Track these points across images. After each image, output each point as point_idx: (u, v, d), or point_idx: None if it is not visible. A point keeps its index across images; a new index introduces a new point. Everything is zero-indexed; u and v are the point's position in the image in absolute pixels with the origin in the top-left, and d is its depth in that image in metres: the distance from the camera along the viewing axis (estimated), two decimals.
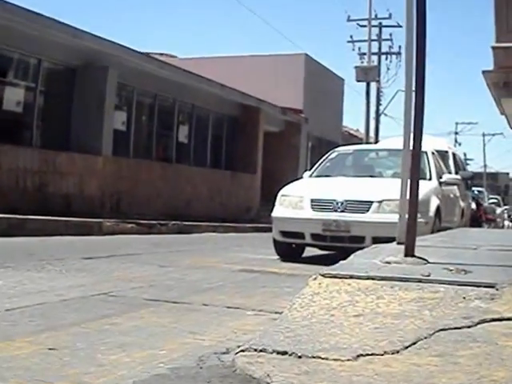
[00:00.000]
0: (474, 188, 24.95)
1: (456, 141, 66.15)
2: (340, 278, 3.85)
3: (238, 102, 24.04)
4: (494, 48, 21.80)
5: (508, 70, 21.39)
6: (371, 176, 10.78)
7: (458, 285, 3.57)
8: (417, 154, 5.48)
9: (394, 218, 8.69)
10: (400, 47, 36.21)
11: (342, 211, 9.50)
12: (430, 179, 10.70)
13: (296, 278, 7.37)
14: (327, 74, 32.59)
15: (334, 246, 9.79)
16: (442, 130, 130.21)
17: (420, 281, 3.73)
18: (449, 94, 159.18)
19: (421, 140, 5.33)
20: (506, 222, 36.40)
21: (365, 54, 34.85)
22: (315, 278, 3.88)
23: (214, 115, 23.72)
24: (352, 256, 5.48)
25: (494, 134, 70.07)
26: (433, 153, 11.73)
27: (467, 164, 72.49)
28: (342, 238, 9.47)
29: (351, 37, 35.48)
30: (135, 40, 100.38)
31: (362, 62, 34.55)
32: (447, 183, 11.16)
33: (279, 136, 27.52)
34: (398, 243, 6.66)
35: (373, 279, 3.78)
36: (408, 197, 5.62)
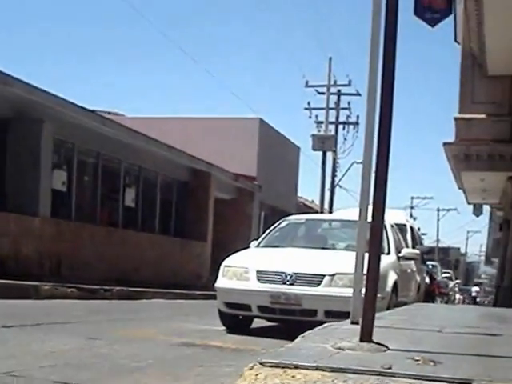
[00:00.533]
0: (428, 262, 24.65)
1: (411, 215, 66.30)
2: (283, 367, 3.22)
3: (188, 165, 23.45)
4: (456, 119, 21.59)
5: (469, 142, 21.21)
6: (323, 248, 10.20)
7: (428, 380, 2.95)
8: (378, 227, 4.91)
9: (348, 292, 8.15)
10: (358, 117, 36.02)
11: (292, 284, 8.91)
12: (389, 253, 10.19)
13: (241, 353, 6.77)
14: (283, 141, 32.28)
15: (285, 318, 9.22)
16: (398, 203, 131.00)
17: (380, 374, 3.12)
18: (406, 167, 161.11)
19: (383, 213, 4.79)
20: (458, 296, 36.53)
21: (322, 122, 34.62)
22: (252, 368, 3.21)
23: (162, 178, 23.04)
24: (299, 338, 4.85)
25: (448, 210, 70.47)
26: (392, 226, 11.23)
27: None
28: (292, 311, 8.90)
29: (309, 103, 35.19)
30: (84, 97, 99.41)
31: (319, 131, 34.26)
32: (405, 258, 10.64)
33: (231, 203, 26.95)
34: (353, 323, 6.06)
35: (322, 370, 3.15)
36: (365, 272, 5.05)
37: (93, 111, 19.83)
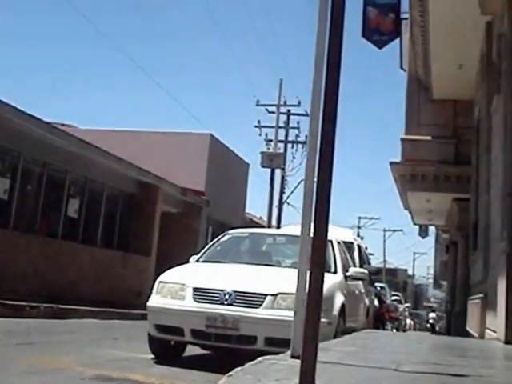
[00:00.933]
0: (376, 283, 23.56)
1: (358, 235, 65.67)
2: None
3: (136, 178, 22.19)
4: (402, 140, 21.02)
5: (415, 163, 20.57)
6: (267, 264, 9.05)
7: None
8: (321, 240, 3.88)
9: (291, 315, 7.09)
10: (307, 137, 35.12)
11: (231, 304, 7.74)
12: (335, 272, 9.11)
13: None
14: (232, 157, 31.22)
15: (220, 346, 7.93)
16: (345, 223, 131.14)
17: None
18: (354, 187, 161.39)
19: (326, 226, 3.78)
20: (408, 321, 35.06)
21: (271, 140, 33.83)
22: None
23: (109, 190, 21.71)
24: (224, 379, 3.75)
25: (394, 230, 70.07)
26: (339, 243, 10.19)
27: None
28: (229, 338, 7.67)
29: (259, 122, 34.37)
30: (40, 109, 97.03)
31: (269, 148, 33.51)
32: (353, 278, 9.57)
33: (178, 217, 25.71)
34: (293, 356, 4.99)
35: None
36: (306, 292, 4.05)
37: (45, 122, 18.46)
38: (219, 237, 10.11)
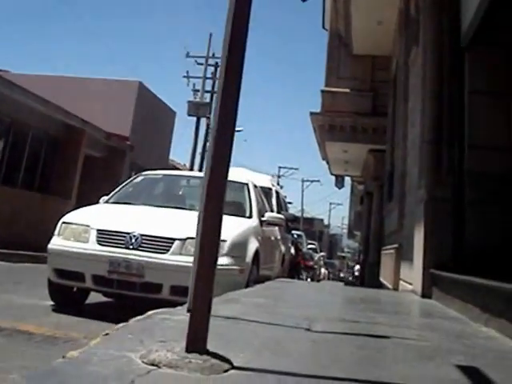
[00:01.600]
0: (293, 231, 22.75)
1: (278, 184, 65.01)
2: None
3: (62, 121, 20.69)
4: (322, 92, 20.17)
5: (334, 113, 19.79)
6: (180, 208, 8.07)
7: None
8: (221, 176, 2.97)
9: None
10: None
11: (136, 248, 6.77)
12: (250, 217, 8.21)
13: (50, 345, 4.64)
14: (160, 105, 29.85)
15: (123, 294, 6.94)
16: (267, 172, 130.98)
17: None
18: (275, 138, 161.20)
19: (227, 164, 2.83)
20: (323, 270, 34.52)
21: (198, 90, 32.63)
22: None
23: (34, 132, 20.19)
24: (100, 338, 2.81)
25: (312, 181, 69.57)
26: (255, 186, 9.29)
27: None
28: (133, 285, 6.70)
29: (187, 72, 33.11)
30: None
31: (196, 98, 32.34)
32: (269, 223, 8.69)
33: (101, 162, 24.33)
34: (190, 310, 4.04)
35: None
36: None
37: None
38: (132, 178, 9.08)
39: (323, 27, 22.96)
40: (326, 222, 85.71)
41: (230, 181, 8.39)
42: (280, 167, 66.01)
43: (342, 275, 55.26)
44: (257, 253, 7.65)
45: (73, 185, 21.38)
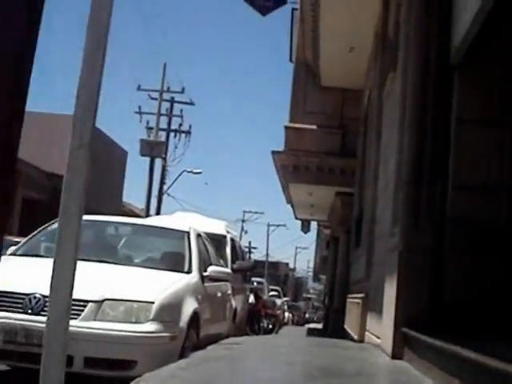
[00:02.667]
0: (253, 278, 21.72)
1: (243, 228, 64.44)
2: None
3: None
4: (286, 128, 19.13)
5: (298, 152, 18.78)
6: (103, 261, 6.88)
7: None
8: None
9: (123, 329, 5.03)
10: (190, 126, 33.26)
11: (37, 313, 5.60)
12: (189, 272, 7.08)
13: None
14: (108, 143, 28.71)
15: (28, 367, 5.75)
16: (230, 217, 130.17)
17: None
18: (241, 182, 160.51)
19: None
20: (287, 314, 33.62)
21: (152, 128, 31.48)
22: None
23: None
24: None
25: (278, 225, 69.37)
26: (199, 235, 8.18)
27: (251, 252, 70.93)
28: (36, 357, 5.47)
29: (139, 108, 31.90)
30: None
31: (150, 137, 31.16)
32: (213, 278, 7.54)
33: (43, 205, 22.97)
34: None
35: None
36: None
37: None
38: (49, 223, 7.90)
39: (290, 60, 21.77)
40: (291, 266, 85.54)
41: (168, 229, 7.18)
42: (245, 211, 65.11)
43: (307, 315, 55.42)
44: (195, 315, 6.52)
45: (10, 231, 19.96)
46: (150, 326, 5.71)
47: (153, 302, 5.80)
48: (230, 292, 9.21)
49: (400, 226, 7.45)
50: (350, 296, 14.65)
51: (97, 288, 5.85)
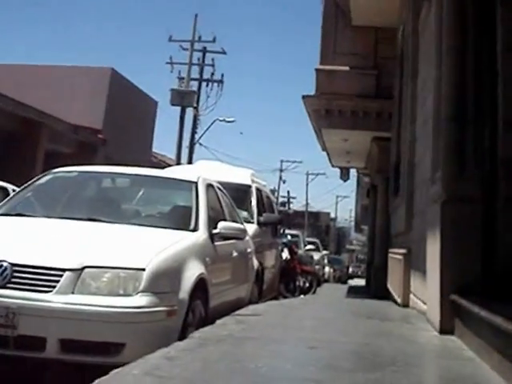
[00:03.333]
0: (287, 231, 20.52)
1: (281, 178, 63.10)
2: None
3: (14, 113, 18.50)
4: (317, 70, 17.84)
5: (330, 96, 17.50)
6: (94, 220, 5.85)
7: None
8: None
9: (108, 303, 3.93)
10: (222, 75, 32.01)
11: (4, 286, 4.58)
12: (195, 229, 5.97)
13: None
14: (138, 95, 27.64)
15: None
16: (267, 167, 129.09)
17: None
18: (277, 130, 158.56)
19: None
20: (327, 269, 32.01)
21: (184, 78, 30.27)
22: None
23: None
24: None
25: (317, 174, 67.43)
26: (211, 185, 7.07)
27: (290, 202, 69.69)
28: (3, 341, 4.52)
29: (171, 58, 30.70)
30: None
31: (181, 87, 30.00)
32: (223, 236, 6.42)
33: (69, 158, 22.06)
34: None
35: None
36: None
37: None
38: (36, 178, 6.86)
39: None
40: (332, 215, 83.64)
41: (173, 179, 5.94)
42: (282, 161, 63.56)
43: (350, 270, 52.62)
44: (201, 282, 5.44)
45: None
46: (140, 299, 4.66)
47: (143, 269, 4.74)
48: (250, 250, 8.12)
49: (442, 172, 6.30)
50: (391, 251, 13.54)
51: (76, 253, 4.80)
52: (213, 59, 32.15)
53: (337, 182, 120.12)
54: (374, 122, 17.19)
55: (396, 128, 14.91)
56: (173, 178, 6.95)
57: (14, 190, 8.31)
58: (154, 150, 31.83)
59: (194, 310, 5.33)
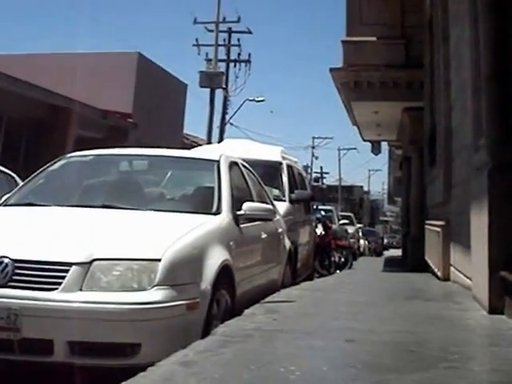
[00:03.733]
0: (320, 207, 19.86)
1: (313, 154, 62.61)
2: None
3: (43, 101, 18.01)
4: (343, 42, 17.02)
5: (359, 67, 16.69)
6: (109, 207, 5.25)
7: None
8: None
9: (114, 299, 3.28)
10: (250, 55, 31.32)
11: (6, 285, 4.02)
12: (218, 212, 5.34)
13: None
14: (166, 78, 26.96)
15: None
16: (300, 144, 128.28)
17: None
18: (307, 107, 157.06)
19: None
20: (362, 242, 31.15)
21: (211, 59, 29.61)
22: None
23: (8, 119, 17.50)
24: None
25: (348, 149, 66.72)
26: (235, 164, 6.43)
27: (323, 177, 68.92)
28: (6, 344, 3.95)
29: (197, 40, 30.06)
30: None
31: (210, 69, 29.37)
32: (250, 218, 5.79)
33: (101, 143, 21.49)
34: None
35: None
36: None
37: None
38: (49, 164, 6.27)
39: None
40: (365, 189, 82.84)
41: (193, 159, 5.20)
42: (314, 137, 62.94)
43: (385, 241, 51.99)
44: (226, 269, 4.83)
45: None
46: (156, 294, 4.07)
47: (159, 260, 4.14)
48: (281, 230, 7.49)
49: (486, 137, 5.59)
50: (428, 223, 12.85)
51: (84, 244, 4.22)
52: (238, 39, 31.51)
53: (369, 156, 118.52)
54: (404, 92, 16.39)
55: (428, 97, 14.24)
56: (193, 158, 6.30)
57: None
58: (185, 132, 31.25)
59: (218, 300, 4.73)
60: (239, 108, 31.51)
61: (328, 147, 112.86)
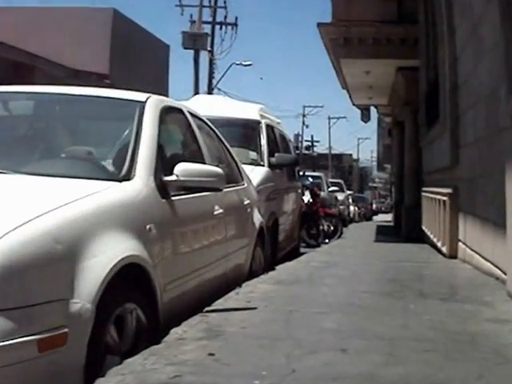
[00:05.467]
0: (308, 174, 18.01)
1: (304, 123, 61.44)
2: None
3: (4, 57, 15.90)
4: None
5: (349, 22, 14.76)
6: None
7: None
8: None
9: None
10: (237, 18, 29.16)
11: None
12: (128, 177, 3.31)
13: None
14: (146, 37, 24.75)
15: None
16: (291, 112, 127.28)
17: None
18: (299, 77, 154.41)
19: None
20: (352, 208, 29.52)
21: (196, 21, 27.39)
22: None
23: None
24: None
25: (338, 118, 66.96)
26: (176, 110, 4.44)
27: (313, 146, 67.25)
28: None
29: (180, 0, 27.73)
30: None
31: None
32: (187, 186, 3.73)
33: None
34: None
35: None
36: None
37: None
38: None
39: None
40: (354, 157, 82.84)
41: (108, 99, 3.26)
42: (305, 106, 61.99)
43: (374, 206, 51.91)
44: (134, 270, 2.87)
45: None
46: None
47: None
48: (249, 201, 5.52)
49: None
50: (426, 190, 11.23)
51: None
52: (225, 1, 29.22)
53: (358, 125, 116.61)
54: (398, 49, 14.59)
55: (424, 53, 12.69)
56: (106, 97, 4.20)
57: None
58: (170, 96, 29.24)
59: (122, 320, 2.80)
60: (226, 71, 29.61)
61: (319, 115, 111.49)
